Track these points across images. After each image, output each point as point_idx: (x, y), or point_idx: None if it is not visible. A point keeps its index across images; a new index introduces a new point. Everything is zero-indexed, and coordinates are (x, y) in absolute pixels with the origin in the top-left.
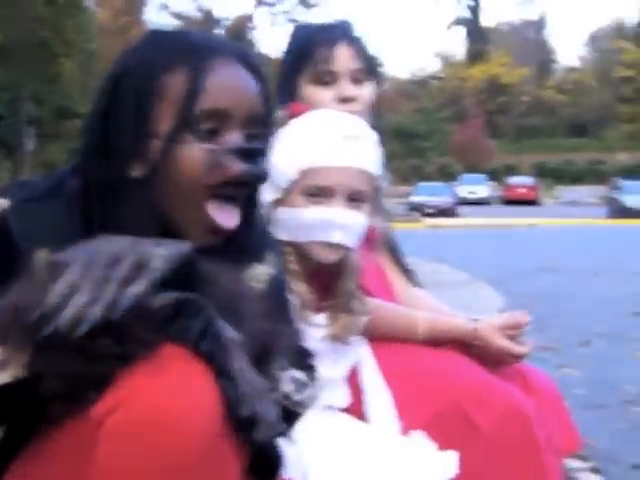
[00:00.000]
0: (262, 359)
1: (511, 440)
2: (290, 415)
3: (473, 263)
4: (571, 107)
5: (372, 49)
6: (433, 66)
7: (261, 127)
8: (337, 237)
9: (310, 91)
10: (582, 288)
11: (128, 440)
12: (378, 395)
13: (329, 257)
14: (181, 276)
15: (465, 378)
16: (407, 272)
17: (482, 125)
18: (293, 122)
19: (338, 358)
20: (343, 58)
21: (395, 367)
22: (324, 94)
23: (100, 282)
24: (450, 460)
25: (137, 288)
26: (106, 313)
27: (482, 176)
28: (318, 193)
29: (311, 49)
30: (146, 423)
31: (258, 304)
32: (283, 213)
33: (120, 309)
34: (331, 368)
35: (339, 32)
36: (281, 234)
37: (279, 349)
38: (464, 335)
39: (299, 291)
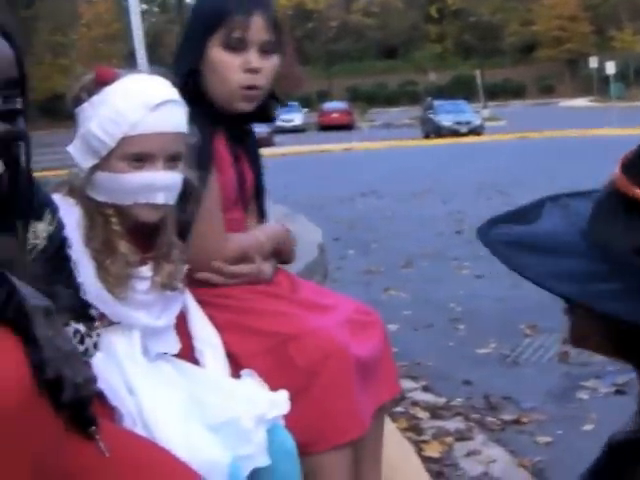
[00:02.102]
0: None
1: (327, 381)
2: None
3: (293, 192)
4: (379, 30)
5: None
6: None
7: (16, 89)
8: (160, 198)
9: (218, 54)
10: (402, 210)
11: None
12: (207, 339)
13: (152, 217)
14: None
15: (293, 321)
16: None
17: (293, 52)
18: (107, 90)
19: (166, 307)
20: (257, 28)
21: (225, 312)
22: (232, 60)
23: None
24: (281, 398)
25: None
26: None
27: (296, 104)
28: (139, 159)
29: (227, 14)
30: None
31: (33, 267)
32: (103, 178)
33: None
34: (160, 317)
35: (256, 1)
36: (101, 197)
37: (58, 308)
38: (282, 231)
39: (122, 251)
